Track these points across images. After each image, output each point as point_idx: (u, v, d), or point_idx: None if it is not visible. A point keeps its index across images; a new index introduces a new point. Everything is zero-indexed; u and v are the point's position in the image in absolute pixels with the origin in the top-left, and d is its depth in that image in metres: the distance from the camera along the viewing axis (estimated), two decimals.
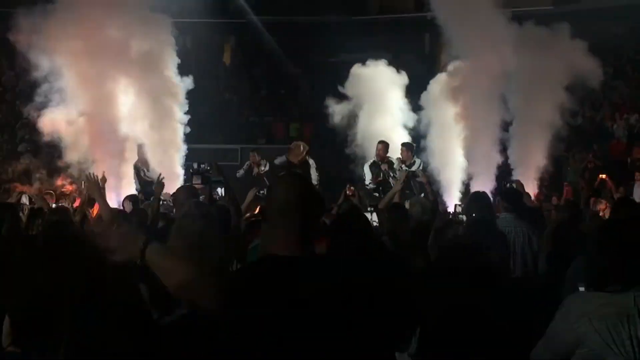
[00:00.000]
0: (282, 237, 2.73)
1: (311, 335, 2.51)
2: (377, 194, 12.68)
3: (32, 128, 14.26)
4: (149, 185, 12.65)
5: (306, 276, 2.63)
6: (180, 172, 13.19)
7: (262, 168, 14.16)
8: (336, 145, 15.50)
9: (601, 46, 15.77)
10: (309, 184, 2.93)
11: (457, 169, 13.39)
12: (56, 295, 2.07)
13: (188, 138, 14.47)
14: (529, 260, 6.74)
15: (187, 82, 13.56)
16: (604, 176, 11.28)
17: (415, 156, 13.40)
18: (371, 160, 13.54)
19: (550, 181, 14.64)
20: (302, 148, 13.94)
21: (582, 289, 3.82)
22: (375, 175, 13.23)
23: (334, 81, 15.33)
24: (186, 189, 6.27)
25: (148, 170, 13.13)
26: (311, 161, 14.05)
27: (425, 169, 13.15)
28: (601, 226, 3.73)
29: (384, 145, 13.32)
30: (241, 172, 14.57)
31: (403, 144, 13.51)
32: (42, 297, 2.07)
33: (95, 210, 10.19)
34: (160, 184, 6.99)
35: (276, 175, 3.08)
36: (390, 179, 12.83)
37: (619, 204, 6.13)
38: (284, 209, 2.73)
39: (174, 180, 12.24)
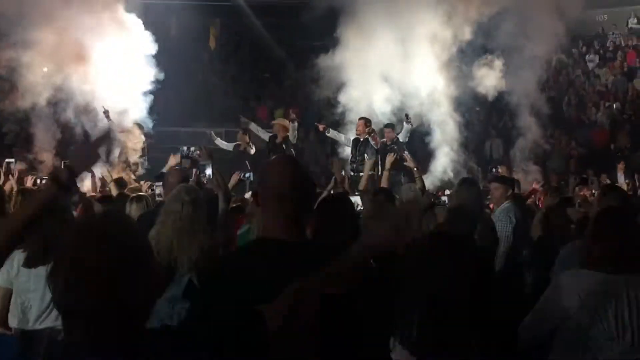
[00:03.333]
0: (275, 221, 2.71)
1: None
2: (352, 173, 12.75)
3: None
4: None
5: (298, 260, 2.60)
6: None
7: (250, 150, 14.10)
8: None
9: (586, 34, 16.00)
10: (301, 167, 2.88)
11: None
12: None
13: (173, 121, 14.38)
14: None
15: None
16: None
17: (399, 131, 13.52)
18: (353, 137, 13.65)
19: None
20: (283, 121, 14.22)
21: None
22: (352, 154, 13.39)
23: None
24: (177, 173, 6.23)
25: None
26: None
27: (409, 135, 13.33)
28: (599, 213, 3.80)
29: (364, 121, 13.36)
30: (224, 142, 14.64)
31: (386, 125, 13.58)
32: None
33: None
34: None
35: (268, 158, 3.05)
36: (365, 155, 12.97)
37: (606, 190, 6.17)
38: (277, 193, 2.70)
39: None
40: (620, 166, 12.26)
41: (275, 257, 2.61)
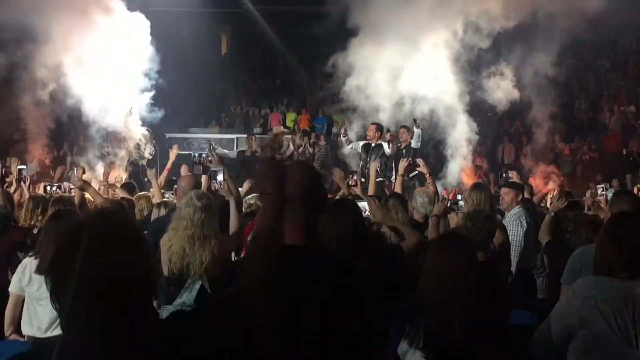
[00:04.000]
0: (288, 228, 2.71)
1: (307, 326, 2.49)
2: (363, 179, 12.73)
3: None
4: None
5: (309, 264, 2.61)
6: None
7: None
8: (332, 135, 15.49)
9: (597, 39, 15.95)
10: (315, 173, 2.88)
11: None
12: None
13: (184, 127, 14.36)
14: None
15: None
16: None
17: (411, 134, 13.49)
18: (363, 142, 13.63)
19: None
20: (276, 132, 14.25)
21: None
22: (362, 159, 13.37)
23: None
24: (189, 179, 6.26)
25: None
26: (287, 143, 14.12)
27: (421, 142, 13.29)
28: (612, 218, 3.79)
29: (375, 127, 13.31)
30: (225, 151, 14.57)
31: (401, 127, 13.58)
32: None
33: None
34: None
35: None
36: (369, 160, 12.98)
37: (617, 194, 6.13)
38: (290, 199, 2.70)
39: None
40: None
41: (287, 262, 2.62)
